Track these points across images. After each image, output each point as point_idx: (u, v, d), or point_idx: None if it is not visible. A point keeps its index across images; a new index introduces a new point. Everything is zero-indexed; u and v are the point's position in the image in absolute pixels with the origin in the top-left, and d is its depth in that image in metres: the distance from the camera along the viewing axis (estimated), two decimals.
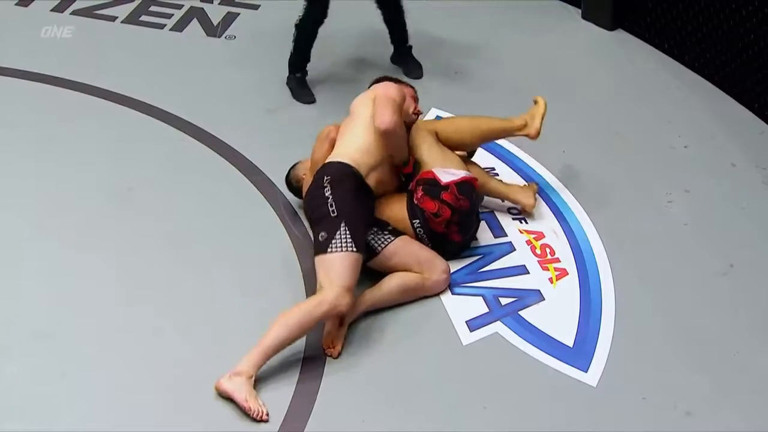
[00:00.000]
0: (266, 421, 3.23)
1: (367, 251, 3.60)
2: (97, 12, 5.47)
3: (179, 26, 5.37)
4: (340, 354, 3.47)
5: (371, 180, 3.70)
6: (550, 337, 3.56)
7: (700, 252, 3.92)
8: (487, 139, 4.08)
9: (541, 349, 3.52)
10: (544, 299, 3.71)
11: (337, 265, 3.44)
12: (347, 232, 3.48)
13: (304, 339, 3.50)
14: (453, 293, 3.73)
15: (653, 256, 3.90)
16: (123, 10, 5.47)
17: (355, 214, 3.55)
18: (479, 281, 3.78)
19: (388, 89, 3.82)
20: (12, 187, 4.23)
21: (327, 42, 4.86)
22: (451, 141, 3.93)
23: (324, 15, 4.64)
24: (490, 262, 3.86)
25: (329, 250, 3.46)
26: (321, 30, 4.67)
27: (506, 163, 4.34)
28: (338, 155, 3.71)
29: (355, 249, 3.47)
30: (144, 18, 5.43)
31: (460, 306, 3.68)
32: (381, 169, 3.75)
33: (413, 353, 3.53)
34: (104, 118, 4.66)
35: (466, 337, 3.57)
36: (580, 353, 3.50)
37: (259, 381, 3.36)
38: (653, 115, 4.68)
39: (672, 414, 3.30)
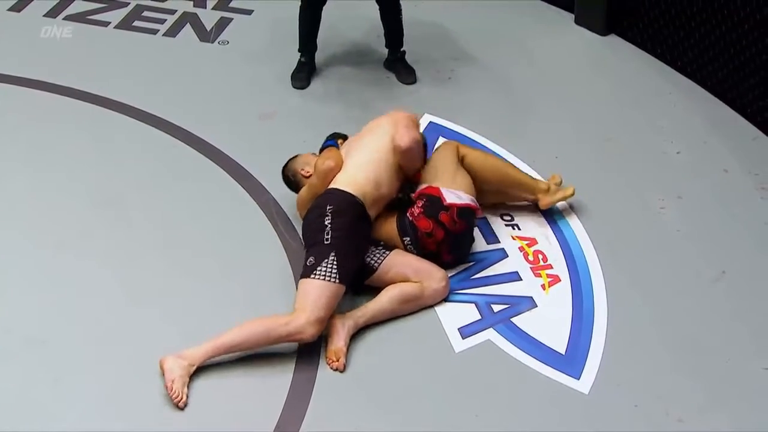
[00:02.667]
0: (182, 408, 3.26)
1: (364, 270, 3.64)
2: (90, 17, 5.46)
3: (172, 31, 5.36)
4: (345, 367, 3.46)
5: (372, 211, 3.70)
6: (543, 344, 3.56)
7: (693, 258, 3.92)
8: (505, 185, 4.00)
9: (533, 356, 3.52)
10: (536, 306, 3.71)
11: (316, 293, 3.45)
12: (334, 262, 3.48)
13: (296, 343, 3.50)
14: (446, 300, 3.72)
15: (646, 263, 3.90)
16: (116, 16, 5.47)
17: (349, 246, 3.55)
18: (472, 288, 3.78)
19: (407, 115, 3.86)
20: (3, 193, 4.22)
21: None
22: (473, 170, 3.87)
23: (316, 3, 4.70)
24: (483, 269, 3.86)
25: (312, 275, 3.48)
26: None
27: None
28: (346, 183, 3.69)
29: (337, 280, 3.47)
30: (137, 23, 5.43)
31: (452, 313, 3.68)
32: (383, 202, 3.76)
33: (405, 360, 3.52)
34: (96, 123, 4.65)
35: (459, 344, 3.57)
36: (572, 360, 3.50)
37: (251, 384, 3.38)
38: (646, 121, 4.69)
39: (664, 421, 3.30)
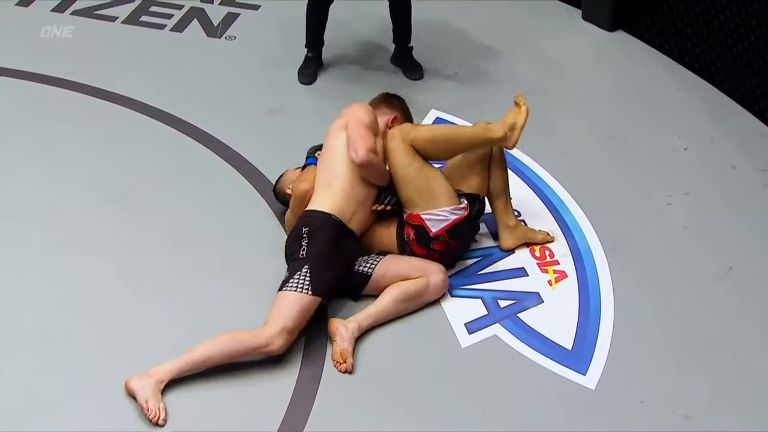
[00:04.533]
0: (161, 425, 3.23)
1: (359, 279, 3.63)
2: (97, 12, 5.47)
3: (179, 27, 5.36)
4: (354, 368, 3.45)
5: (354, 223, 3.67)
6: (549, 339, 3.56)
7: (700, 255, 3.91)
8: (464, 151, 3.78)
9: (539, 352, 3.52)
10: (542, 301, 3.71)
11: (286, 304, 3.44)
12: (308, 275, 3.48)
13: (303, 341, 3.51)
14: (452, 295, 3.73)
15: (652, 259, 3.90)
16: (123, 11, 5.47)
17: (324, 258, 3.53)
18: (478, 283, 3.78)
19: (357, 113, 3.73)
20: (11, 188, 4.23)
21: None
22: (427, 153, 3.69)
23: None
24: (489, 265, 3.86)
25: (285, 288, 3.48)
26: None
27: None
28: (320, 203, 3.65)
29: (310, 292, 3.46)
30: (144, 18, 5.43)
31: (458, 308, 3.68)
32: (363, 209, 3.70)
33: (412, 355, 3.53)
34: (104, 118, 4.66)
35: (465, 339, 3.57)
36: (578, 356, 3.50)
37: (257, 382, 3.38)
38: (653, 117, 4.68)
39: (670, 418, 3.30)
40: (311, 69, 4.89)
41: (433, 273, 3.65)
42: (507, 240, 3.88)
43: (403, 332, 3.60)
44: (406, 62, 4.93)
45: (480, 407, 3.34)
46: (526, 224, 4.01)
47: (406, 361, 3.51)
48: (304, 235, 3.58)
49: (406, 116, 3.96)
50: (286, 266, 3.60)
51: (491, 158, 3.82)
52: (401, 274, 3.64)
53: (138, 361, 3.41)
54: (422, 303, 3.65)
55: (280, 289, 3.50)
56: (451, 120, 4.59)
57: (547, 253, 3.91)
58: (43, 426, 3.25)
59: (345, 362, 3.43)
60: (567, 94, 4.81)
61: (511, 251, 3.90)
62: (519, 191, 4.12)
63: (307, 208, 3.69)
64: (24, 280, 3.79)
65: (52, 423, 3.26)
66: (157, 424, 3.23)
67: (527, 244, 3.92)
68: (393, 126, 3.84)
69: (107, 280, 3.78)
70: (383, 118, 3.87)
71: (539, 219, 4.07)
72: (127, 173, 4.32)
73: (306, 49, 4.90)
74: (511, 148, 3.79)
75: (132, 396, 3.28)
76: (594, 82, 4.95)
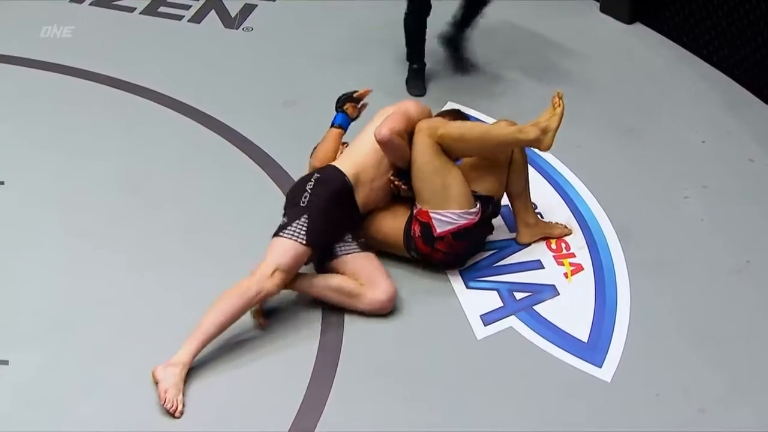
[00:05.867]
0: (177, 417, 3.24)
1: (329, 254, 3.64)
2: (115, 3, 5.49)
3: (197, 18, 5.38)
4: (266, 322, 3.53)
5: (359, 195, 3.69)
6: (565, 332, 3.56)
7: (717, 248, 3.90)
8: (493, 152, 3.72)
9: (555, 344, 3.52)
10: (558, 294, 3.71)
11: (280, 249, 3.50)
12: (305, 224, 3.52)
13: (318, 330, 3.54)
14: (468, 287, 3.73)
15: (669, 252, 3.89)
16: (141, 2, 5.49)
17: (324, 213, 3.56)
18: (494, 275, 3.78)
19: (405, 103, 3.80)
20: (30, 178, 4.25)
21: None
22: (453, 151, 3.66)
23: (423, 7, 4.62)
24: (505, 257, 3.86)
25: (281, 234, 3.53)
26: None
27: None
28: (339, 162, 3.73)
29: (304, 242, 3.51)
30: (162, 9, 5.45)
31: (474, 300, 3.68)
32: (372, 189, 3.71)
33: (427, 347, 3.53)
34: (121, 108, 4.68)
35: (481, 331, 3.58)
36: (594, 348, 3.50)
37: (273, 371, 3.40)
38: (670, 110, 4.67)
39: (686, 411, 3.29)
40: (420, 81, 4.79)
41: (378, 289, 3.59)
42: (525, 236, 3.88)
43: (419, 323, 3.61)
44: (455, 47, 4.87)
45: (495, 398, 3.34)
46: (542, 217, 4.00)
47: (421, 352, 3.51)
48: (312, 180, 3.63)
49: None
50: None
51: (512, 160, 3.79)
52: (355, 272, 3.61)
53: (155, 349, 3.43)
54: (353, 305, 3.59)
55: (276, 234, 3.54)
56: (467, 112, 4.58)
57: (563, 245, 3.91)
58: (59, 415, 3.27)
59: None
60: (584, 87, 4.79)
61: (527, 244, 3.91)
62: (536, 183, 4.11)
63: (331, 163, 3.75)
64: (45, 268, 3.81)
65: (68, 412, 3.28)
66: (173, 415, 3.25)
67: (543, 237, 3.92)
68: None
69: (126, 269, 3.81)
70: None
71: (555, 211, 4.06)
72: (144, 163, 4.34)
73: (408, 62, 4.81)
74: (544, 150, 3.73)
75: (157, 384, 3.31)
76: (611, 75, 4.93)
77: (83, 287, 3.73)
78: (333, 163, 3.74)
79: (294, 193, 3.67)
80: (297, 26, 5.27)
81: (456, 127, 3.70)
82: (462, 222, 3.64)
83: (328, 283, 3.61)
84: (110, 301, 3.67)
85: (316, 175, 3.67)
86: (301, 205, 3.59)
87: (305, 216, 3.54)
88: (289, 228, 3.53)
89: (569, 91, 4.57)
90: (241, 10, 5.43)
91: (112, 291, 3.71)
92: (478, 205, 3.67)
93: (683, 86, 4.83)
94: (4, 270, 3.80)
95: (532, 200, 3.95)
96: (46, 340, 3.52)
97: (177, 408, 3.25)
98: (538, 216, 3.98)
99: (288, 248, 3.50)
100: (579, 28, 5.27)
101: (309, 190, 3.61)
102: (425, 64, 4.82)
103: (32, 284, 3.75)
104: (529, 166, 3.96)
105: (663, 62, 5.00)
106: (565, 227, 3.94)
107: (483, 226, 3.75)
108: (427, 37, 4.77)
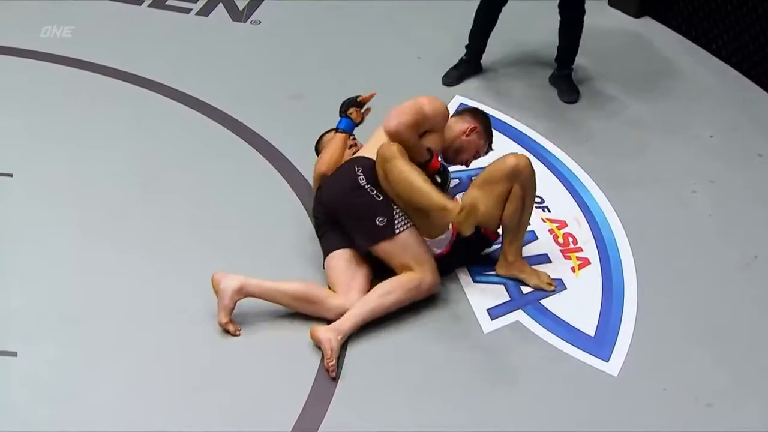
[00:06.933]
0: (335, 379, 3.32)
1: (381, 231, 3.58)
2: None
3: (205, 11, 5.37)
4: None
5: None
6: (572, 326, 3.56)
7: (724, 243, 3.90)
8: (409, 202, 3.53)
9: (562, 338, 3.52)
10: (565, 288, 3.71)
11: (414, 243, 3.54)
12: (399, 209, 3.55)
13: (325, 322, 3.53)
14: (475, 281, 3.73)
15: (676, 247, 3.88)
16: None
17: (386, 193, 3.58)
18: None
19: (421, 98, 3.72)
20: (42, 172, 4.26)
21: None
22: (389, 190, 3.58)
23: (493, 3, 4.61)
24: None
25: (397, 231, 3.53)
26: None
27: (530, 152, 4.28)
28: (364, 152, 3.70)
29: (410, 224, 3.55)
30: (170, 2, 5.44)
31: (481, 294, 3.69)
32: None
33: (434, 341, 3.54)
34: (129, 102, 4.68)
35: (488, 325, 3.58)
36: (601, 343, 3.50)
37: (283, 364, 3.42)
38: (679, 104, 4.66)
39: (693, 406, 3.30)
40: (458, 71, 4.74)
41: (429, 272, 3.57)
42: (500, 268, 3.75)
43: (426, 317, 3.61)
44: (562, 83, 4.70)
45: (502, 393, 3.35)
46: (549, 211, 4.00)
47: (428, 345, 3.51)
48: (359, 173, 3.60)
49: (486, 133, 3.89)
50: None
51: (510, 194, 3.63)
52: (406, 256, 3.55)
53: (164, 346, 3.44)
54: (410, 299, 3.54)
55: (389, 235, 3.51)
56: (475, 105, 4.58)
57: (570, 239, 3.91)
58: (69, 408, 3.28)
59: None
60: (593, 80, 4.79)
61: (534, 236, 3.90)
62: (543, 177, 4.10)
63: (358, 155, 3.72)
64: (55, 261, 3.81)
65: (78, 406, 3.28)
66: (331, 376, 3.34)
67: (550, 232, 3.91)
68: (470, 136, 3.81)
69: (134, 263, 3.80)
70: (463, 124, 3.83)
71: (563, 205, 4.06)
72: (152, 156, 4.34)
73: (464, 54, 4.75)
74: (452, 221, 3.48)
75: (317, 345, 3.40)
76: (619, 69, 4.92)
77: (92, 280, 3.74)
78: (360, 155, 3.68)
79: (354, 196, 3.56)
80: (305, 19, 5.26)
81: (398, 169, 3.51)
82: (437, 251, 3.66)
83: (378, 296, 3.53)
84: (119, 296, 3.67)
85: (357, 167, 3.60)
86: (378, 199, 3.56)
87: (393, 204, 3.55)
88: (397, 221, 3.54)
89: (578, 84, 4.58)
90: (249, 3, 5.42)
91: (120, 284, 3.72)
92: (447, 234, 3.65)
93: (692, 80, 4.82)
94: (12, 262, 3.81)
95: (539, 194, 3.89)
96: (55, 333, 3.53)
97: (335, 371, 3.35)
98: (545, 209, 3.97)
99: (418, 238, 3.56)
100: (587, 22, 5.21)
101: (367, 185, 3.57)
102: (475, 60, 4.77)
103: (41, 276, 3.75)
104: (536, 159, 3.96)
105: (671, 56, 4.99)
106: (549, 283, 3.70)
107: (464, 250, 3.72)
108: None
